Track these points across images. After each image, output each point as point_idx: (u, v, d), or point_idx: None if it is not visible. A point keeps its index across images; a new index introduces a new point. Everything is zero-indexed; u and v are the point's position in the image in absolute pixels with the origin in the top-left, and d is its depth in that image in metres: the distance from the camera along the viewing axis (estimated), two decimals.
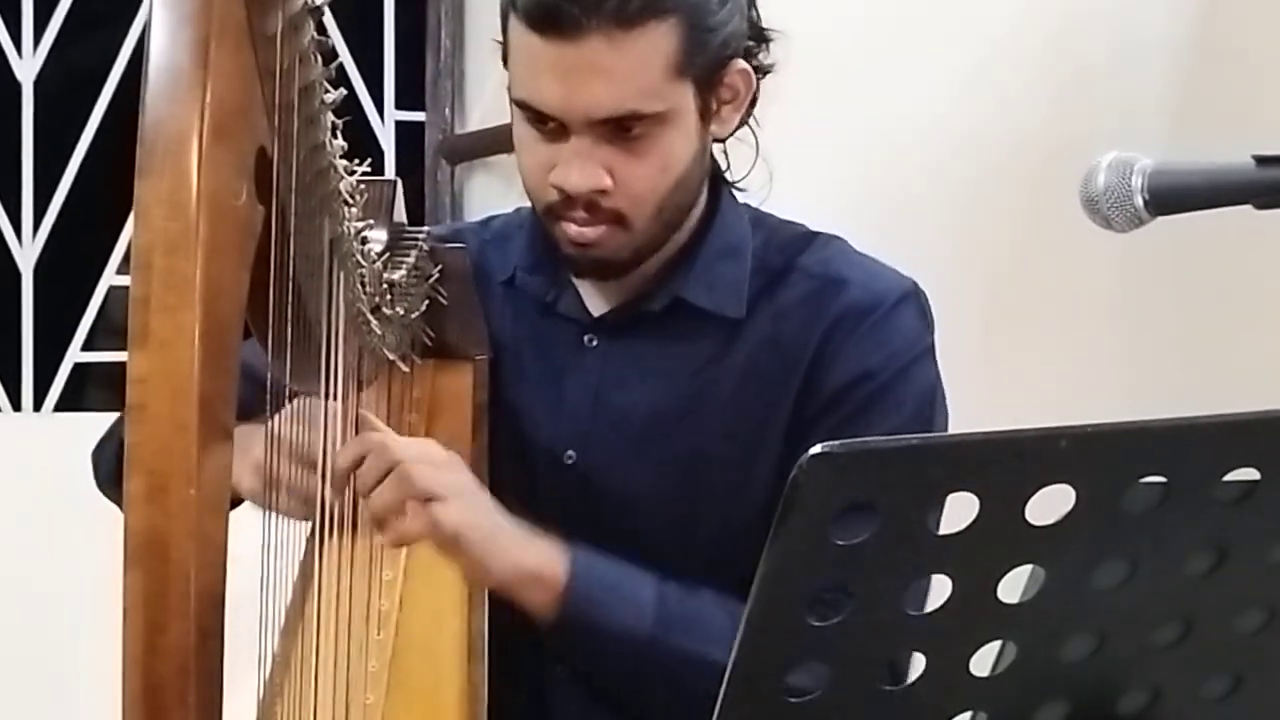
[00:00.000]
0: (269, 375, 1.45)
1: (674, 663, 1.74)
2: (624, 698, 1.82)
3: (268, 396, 1.47)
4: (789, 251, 1.90)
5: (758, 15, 1.85)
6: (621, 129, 1.76)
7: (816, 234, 1.93)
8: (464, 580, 1.76)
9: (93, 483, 1.94)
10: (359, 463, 1.65)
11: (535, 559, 1.73)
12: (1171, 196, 1.43)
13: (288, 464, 1.67)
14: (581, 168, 1.77)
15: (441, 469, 1.68)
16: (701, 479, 1.86)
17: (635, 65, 1.74)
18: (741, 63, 1.83)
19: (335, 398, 1.62)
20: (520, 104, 1.79)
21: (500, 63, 1.84)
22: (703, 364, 1.88)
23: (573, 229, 1.80)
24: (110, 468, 1.89)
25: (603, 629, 1.75)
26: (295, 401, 1.61)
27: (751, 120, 1.88)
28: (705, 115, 1.81)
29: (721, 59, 1.80)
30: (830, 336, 1.84)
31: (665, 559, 1.83)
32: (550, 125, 1.77)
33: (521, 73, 1.78)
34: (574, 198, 1.78)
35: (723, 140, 1.89)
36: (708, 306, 1.88)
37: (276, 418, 1.58)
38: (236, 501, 1.66)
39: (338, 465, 1.65)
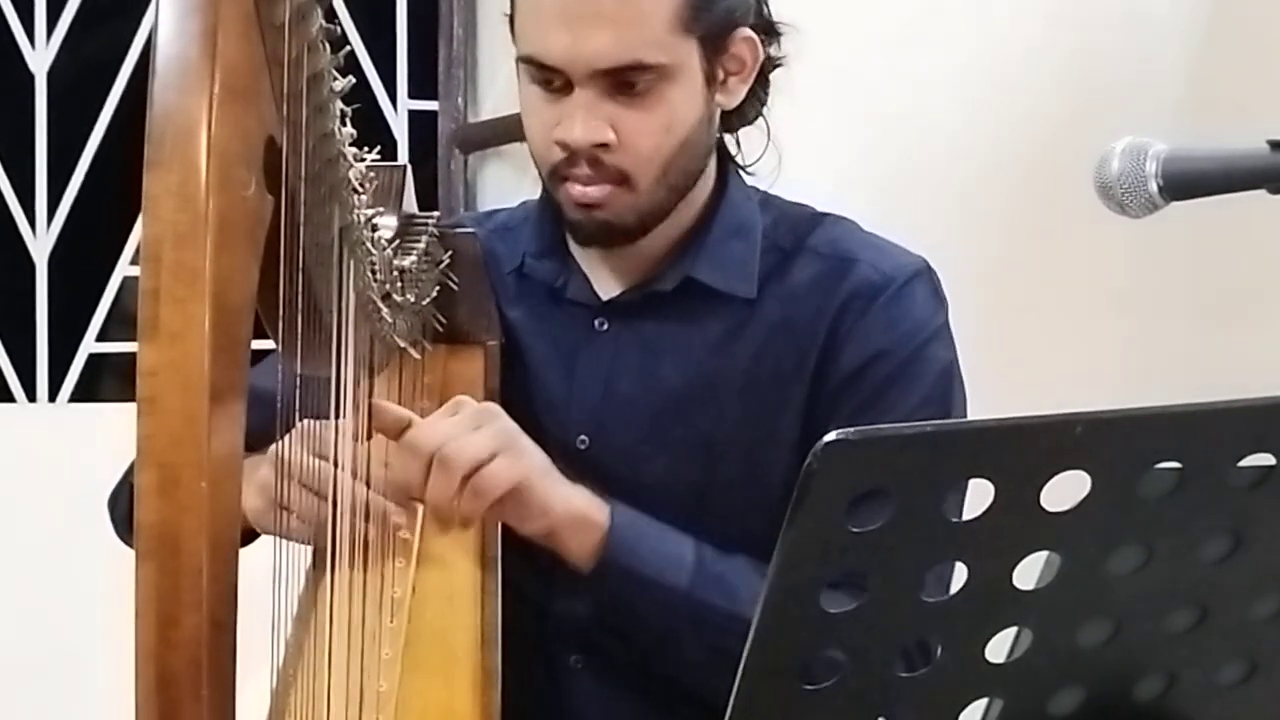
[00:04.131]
0: (279, 396, 1.46)
1: (707, 617, 1.75)
2: (653, 649, 1.82)
3: (278, 415, 1.47)
4: (798, 231, 1.91)
5: (768, 10, 1.86)
6: (625, 83, 1.77)
7: (825, 215, 1.93)
8: (517, 527, 1.74)
9: (108, 473, 1.94)
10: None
11: (584, 501, 1.75)
12: (1186, 182, 1.43)
13: (295, 489, 1.66)
14: (585, 121, 1.77)
15: (474, 433, 1.67)
16: (715, 462, 1.86)
17: (639, 14, 1.75)
18: (748, 31, 1.84)
19: (345, 386, 1.61)
20: (526, 60, 1.80)
21: (512, 48, 1.84)
22: (714, 346, 1.87)
23: (576, 189, 1.81)
24: (124, 514, 1.90)
25: (641, 577, 1.76)
26: (302, 424, 1.60)
27: (764, 109, 1.89)
28: (711, 80, 1.82)
29: (728, 22, 1.81)
30: (842, 317, 1.84)
31: None
32: (555, 83, 1.78)
33: (527, 28, 1.80)
34: (577, 153, 1.79)
35: (731, 120, 1.89)
36: (718, 286, 1.87)
37: (282, 442, 1.58)
38: (250, 534, 1.66)
39: (393, 481, 1.67)
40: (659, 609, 1.78)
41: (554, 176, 1.83)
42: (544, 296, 1.93)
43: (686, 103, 1.80)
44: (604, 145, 1.78)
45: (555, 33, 1.76)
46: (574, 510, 1.74)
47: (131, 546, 1.16)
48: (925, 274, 1.89)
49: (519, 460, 1.69)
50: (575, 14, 1.74)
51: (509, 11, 1.83)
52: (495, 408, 1.73)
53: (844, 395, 1.83)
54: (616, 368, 1.89)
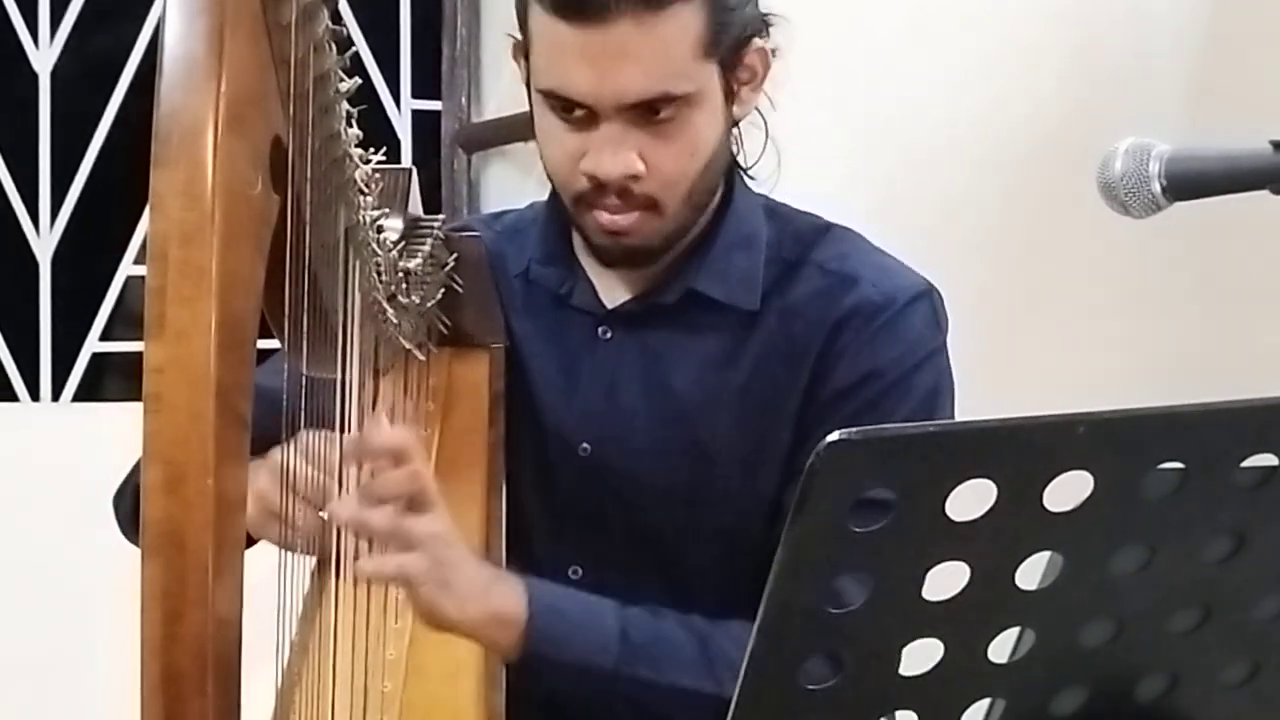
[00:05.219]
0: (285, 397, 1.46)
1: (639, 692, 1.74)
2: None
3: (283, 415, 1.47)
4: (803, 244, 1.89)
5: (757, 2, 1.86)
6: (651, 112, 1.75)
7: (831, 226, 1.92)
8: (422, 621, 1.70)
9: (111, 473, 1.94)
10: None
11: (495, 602, 1.69)
12: (1189, 182, 1.43)
13: (293, 499, 1.65)
14: (614, 154, 1.76)
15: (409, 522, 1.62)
16: (713, 472, 1.85)
17: (664, 47, 1.73)
18: (760, 42, 1.83)
19: (351, 386, 1.62)
20: (547, 94, 1.77)
21: (516, 55, 1.84)
22: (716, 357, 1.87)
23: (605, 217, 1.80)
24: (129, 512, 1.89)
25: (567, 664, 1.73)
26: (302, 434, 1.58)
27: (763, 105, 1.89)
28: (729, 96, 1.81)
29: (742, 39, 1.80)
30: (838, 334, 1.83)
31: (678, 550, 1.84)
32: (578, 113, 1.76)
33: (547, 62, 1.77)
34: (606, 185, 1.77)
35: (738, 122, 1.88)
36: (721, 298, 1.87)
37: (284, 452, 1.57)
38: (250, 538, 1.65)
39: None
40: (590, 688, 1.75)
41: (579, 203, 1.81)
42: (549, 302, 1.93)
43: (709, 124, 1.79)
44: (634, 176, 1.77)
45: (580, 69, 1.73)
46: (485, 613, 1.67)
47: (136, 544, 1.16)
48: (927, 296, 1.87)
49: (421, 562, 1.62)
50: (601, 50, 1.72)
51: (523, 41, 1.80)
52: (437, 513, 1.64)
53: (831, 411, 1.82)
54: (619, 376, 1.89)
